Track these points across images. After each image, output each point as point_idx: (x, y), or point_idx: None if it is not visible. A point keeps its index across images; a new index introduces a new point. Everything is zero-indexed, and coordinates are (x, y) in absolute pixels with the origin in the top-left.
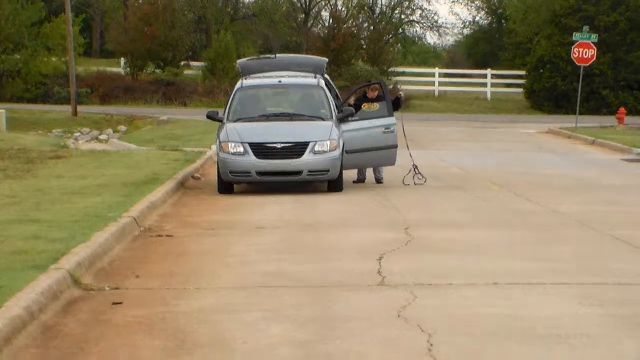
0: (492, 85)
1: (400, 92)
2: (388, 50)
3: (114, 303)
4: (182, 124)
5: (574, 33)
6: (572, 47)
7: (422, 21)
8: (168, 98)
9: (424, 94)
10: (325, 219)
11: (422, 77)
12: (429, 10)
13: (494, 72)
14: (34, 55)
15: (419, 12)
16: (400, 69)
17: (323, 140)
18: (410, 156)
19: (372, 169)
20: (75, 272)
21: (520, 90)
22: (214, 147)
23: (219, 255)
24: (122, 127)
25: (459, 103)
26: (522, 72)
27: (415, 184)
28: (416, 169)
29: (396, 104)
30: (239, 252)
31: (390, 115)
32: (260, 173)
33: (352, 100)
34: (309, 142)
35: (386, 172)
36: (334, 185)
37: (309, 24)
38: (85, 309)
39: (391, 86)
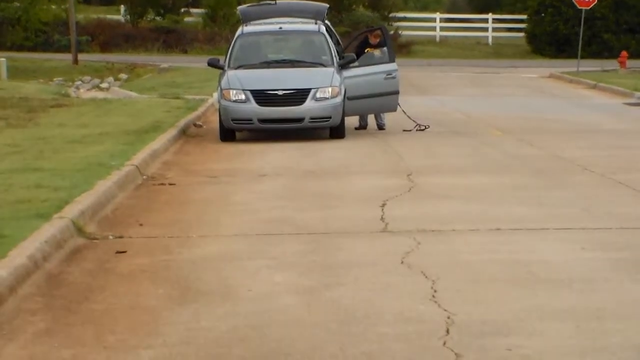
0: (494, 30)
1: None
2: None
3: (117, 252)
4: (183, 72)
5: None
6: None
7: None
8: (169, 46)
9: (425, 39)
10: (327, 166)
11: (423, 22)
12: None
13: (495, 16)
14: (33, 3)
15: None
16: (401, 15)
17: (324, 87)
18: (405, 113)
19: (374, 115)
20: (79, 221)
21: (522, 34)
22: (216, 95)
23: (221, 203)
24: (123, 75)
25: (461, 48)
26: (524, 17)
27: (417, 130)
28: (418, 125)
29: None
30: (242, 199)
31: (392, 61)
32: (262, 120)
33: (354, 46)
34: (310, 88)
35: (388, 118)
36: (336, 132)
37: None
38: (89, 257)
39: (392, 32)
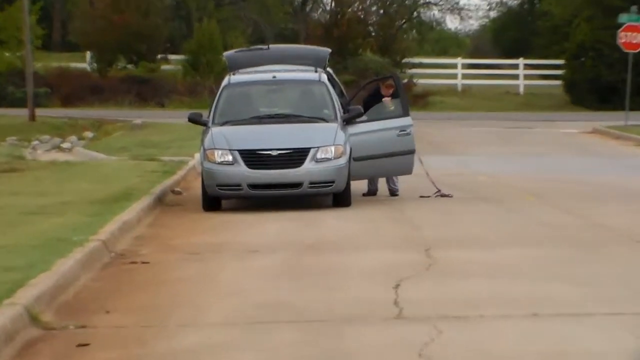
0: (525, 77)
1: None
2: (401, 37)
3: (79, 345)
4: (159, 129)
5: (619, 14)
6: (618, 30)
7: (441, 3)
8: (143, 98)
9: (445, 88)
10: (330, 239)
11: (443, 68)
12: None
13: (527, 61)
14: None
15: None
16: (417, 60)
17: (326, 145)
18: (431, 181)
19: (385, 179)
20: (34, 308)
21: (559, 82)
22: (198, 156)
23: (205, 285)
24: (89, 134)
25: (487, 99)
26: (560, 62)
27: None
28: (439, 192)
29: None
30: (229, 280)
31: (406, 114)
32: (252, 186)
33: (363, 97)
34: (309, 148)
35: (402, 182)
36: (341, 198)
37: (307, 9)
38: (45, 352)
39: (406, 80)
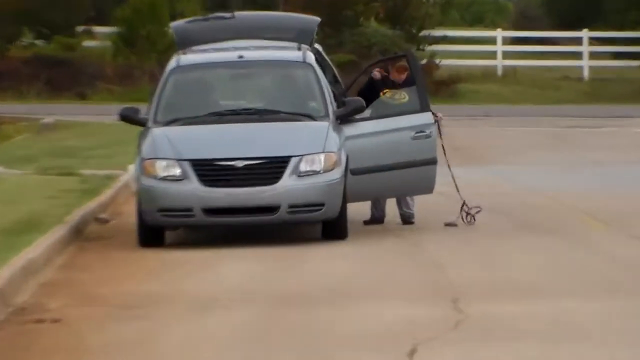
0: (592, 56)
1: (439, 115)
2: (417, 3)
3: None
4: (79, 130)
5: None
6: None
7: None
8: (56, 87)
9: (480, 72)
10: (318, 286)
11: (476, 44)
12: None
13: (594, 34)
14: None
15: None
16: (440, 33)
17: (314, 153)
18: (454, 182)
19: (395, 201)
20: None
21: (637, 63)
22: (133, 169)
23: (140, 355)
24: None
25: (537, 87)
26: None
27: (467, 222)
28: (465, 206)
29: None
30: (174, 348)
31: (426, 109)
32: (209, 211)
33: (363, 85)
34: (289, 157)
35: (418, 203)
36: (333, 228)
37: None
38: None
39: (425, 60)
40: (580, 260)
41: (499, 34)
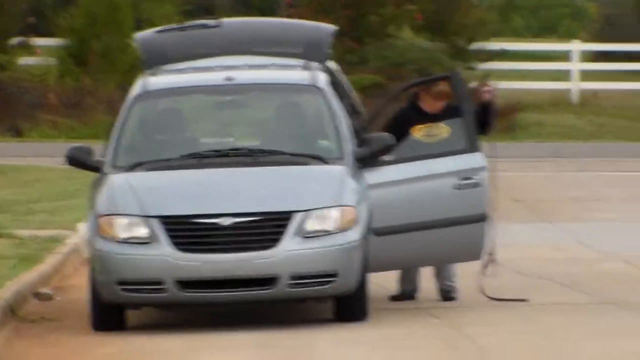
0: None
1: (489, 86)
2: (468, 4)
3: None
4: (13, 177)
5: None
6: None
7: None
8: None
9: (548, 97)
10: None
11: (544, 61)
12: None
13: None
14: None
15: None
16: (496, 46)
17: (324, 207)
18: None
19: (433, 271)
20: None
21: None
22: (84, 228)
23: None
24: None
25: (627, 117)
26: None
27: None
28: (491, 259)
29: (483, 119)
30: None
31: (473, 147)
32: (185, 284)
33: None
34: (292, 212)
35: (461, 273)
36: (349, 306)
37: None
38: None
39: (475, 83)
40: None
41: (575, 46)
